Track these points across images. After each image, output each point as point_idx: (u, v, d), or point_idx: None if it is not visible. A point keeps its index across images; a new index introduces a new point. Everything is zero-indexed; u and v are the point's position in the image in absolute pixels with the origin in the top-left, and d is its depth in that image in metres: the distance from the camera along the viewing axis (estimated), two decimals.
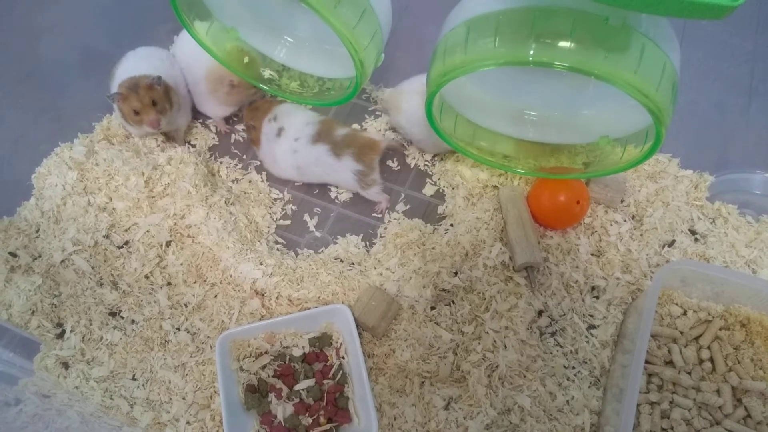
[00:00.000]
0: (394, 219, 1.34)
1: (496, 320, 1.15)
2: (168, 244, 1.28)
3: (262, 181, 1.42)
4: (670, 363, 1.08)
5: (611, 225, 1.26)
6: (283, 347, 1.16)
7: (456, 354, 1.14)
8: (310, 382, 1.11)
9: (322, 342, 1.15)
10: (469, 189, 1.33)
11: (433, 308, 1.18)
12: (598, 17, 0.91)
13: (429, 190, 1.38)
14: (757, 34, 1.58)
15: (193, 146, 1.46)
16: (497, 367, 1.11)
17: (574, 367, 1.12)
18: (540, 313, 1.17)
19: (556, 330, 1.16)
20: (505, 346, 1.13)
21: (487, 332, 1.14)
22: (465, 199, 1.32)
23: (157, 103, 1.29)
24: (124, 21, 1.58)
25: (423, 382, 1.12)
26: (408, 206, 1.36)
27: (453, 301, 1.19)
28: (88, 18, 1.54)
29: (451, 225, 1.29)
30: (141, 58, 1.39)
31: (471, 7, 1.02)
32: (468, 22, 1.00)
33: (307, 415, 1.08)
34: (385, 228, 1.33)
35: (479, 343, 1.13)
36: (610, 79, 0.89)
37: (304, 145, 1.32)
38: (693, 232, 1.26)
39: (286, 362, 1.13)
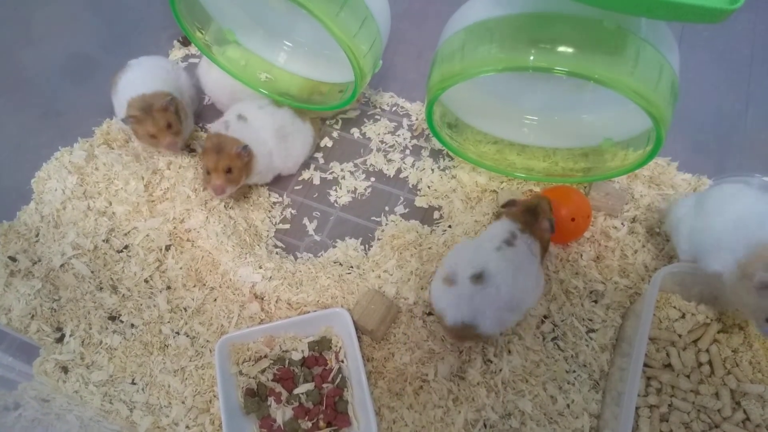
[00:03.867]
0: (391, 221, 1.35)
1: None
2: (167, 248, 1.28)
3: (262, 186, 1.42)
4: (668, 366, 1.08)
5: (610, 230, 1.27)
6: (283, 351, 1.16)
7: (456, 357, 1.14)
8: (310, 386, 1.11)
9: (322, 346, 1.15)
10: (467, 193, 1.34)
11: (430, 314, 1.18)
12: (595, 21, 0.92)
13: (423, 198, 1.38)
14: (755, 39, 1.59)
15: (193, 151, 1.46)
16: (500, 371, 1.11)
17: (574, 371, 1.12)
18: (544, 318, 1.17)
19: (558, 335, 1.16)
20: (509, 351, 1.13)
21: None
22: (463, 202, 1.33)
23: (172, 125, 1.29)
24: (124, 27, 1.59)
25: (422, 386, 1.12)
26: (407, 210, 1.37)
27: None
28: (88, 23, 1.55)
29: (449, 227, 1.30)
30: (146, 70, 1.37)
31: (469, 14, 1.02)
32: (467, 28, 1.01)
33: (306, 419, 1.08)
34: (383, 230, 1.33)
35: (479, 347, 1.13)
36: (607, 83, 0.90)
37: (274, 110, 1.35)
38: None
39: (286, 366, 1.13)
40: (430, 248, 1.25)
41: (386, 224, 1.35)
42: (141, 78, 1.35)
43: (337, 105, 1.33)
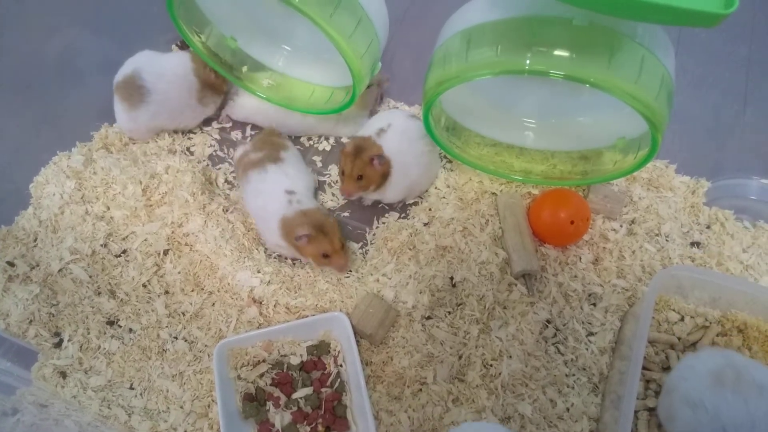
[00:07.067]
0: (382, 223, 1.35)
1: (503, 329, 1.15)
2: (165, 252, 1.28)
3: None
4: (667, 369, 1.08)
5: (608, 232, 1.26)
6: (281, 355, 1.16)
7: (455, 360, 1.14)
8: (308, 390, 1.11)
9: (320, 350, 1.15)
10: (465, 195, 1.34)
11: (429, 318, 1.18)
12: (591, 25, 0.92)
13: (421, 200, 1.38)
14: (752, 40, 1.59)
15: (191, 154, 1.46)
16: (500, 374, 1.11)
17: (573, 374, 1.12)
18: (547, 322, 1.17)
19: (560, 339, 1.16)
20: (510, 356, 1.12)
21: (493, 340, 1.14)
22: (460, 204, 1.32)
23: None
24: (123, 30, 1.59)
25: (421, 390, 1.12)
26: (406, 212, 1.36)
27: (451, 309, 1.19)
28: (87, 28, 1.55)
29: (446, 226, 1.29)
30: None
31: (467, 17, 1.02)
32: (464, 31, 1.01)
33: (305, 423, 1.08)
34: (373, 234, 1.33)
35: (479, 351, 1.13)
36: (603, 87, 0.90)
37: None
38: (689, 238, 1.26)
39: (284, 370, 1.13)
40: (426, 244, 1.25)
41: (377, 227, 1.35)
42: None
43: (337, 108, 1.33)
